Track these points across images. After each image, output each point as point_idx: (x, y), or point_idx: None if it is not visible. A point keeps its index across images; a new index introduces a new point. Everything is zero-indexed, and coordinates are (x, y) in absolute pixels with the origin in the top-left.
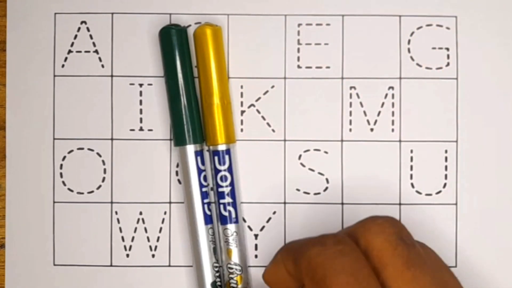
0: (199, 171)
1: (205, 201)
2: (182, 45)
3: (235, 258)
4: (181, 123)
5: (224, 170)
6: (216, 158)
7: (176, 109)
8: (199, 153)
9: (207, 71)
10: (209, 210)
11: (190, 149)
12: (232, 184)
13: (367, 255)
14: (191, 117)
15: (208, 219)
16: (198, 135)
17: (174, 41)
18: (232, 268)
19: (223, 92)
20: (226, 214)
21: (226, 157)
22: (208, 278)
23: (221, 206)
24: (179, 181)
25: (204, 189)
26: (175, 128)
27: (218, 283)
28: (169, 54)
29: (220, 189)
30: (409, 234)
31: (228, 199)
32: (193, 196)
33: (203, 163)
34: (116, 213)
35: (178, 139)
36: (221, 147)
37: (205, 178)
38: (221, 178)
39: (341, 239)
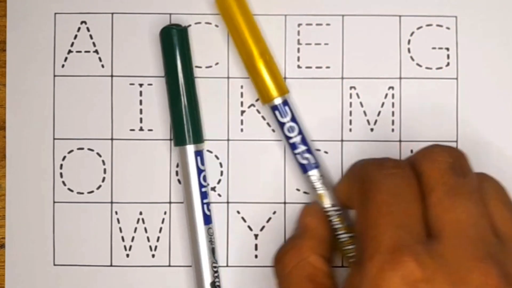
0: (199, 171)
1: (205, 201)
2: (182, 45)
3: (328, 201)
4: (181, 123)
5: (288, 122)
6: (277, 112)
7: (176, 109)
8: (199, 153)
9: (242, 33)
10: (209, 210)
11: (190, 149)
12: (300, 132)
13: (420, 180)
14: (191, 117)
15: (207, 219)
16: (198, 135)
17: (174, 41)
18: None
19: (262, 49)
20: (305, 161)
21: (286, 108)
22: (207, 278)
23: (298, 156)
24: (179, 181)
25: (203, 189)
26: (175, 128)
27: (217, 284)
28: (169, 54)
29: (291, 140)
30: (468, 166)
31: (302, 147)
32: (192, 196)
33: (202, 163)
34: (116, 213)
35: (178, 139)
36: (278, 101)
37: (204, 178)
38: (288, 130)
39: (400, 163)
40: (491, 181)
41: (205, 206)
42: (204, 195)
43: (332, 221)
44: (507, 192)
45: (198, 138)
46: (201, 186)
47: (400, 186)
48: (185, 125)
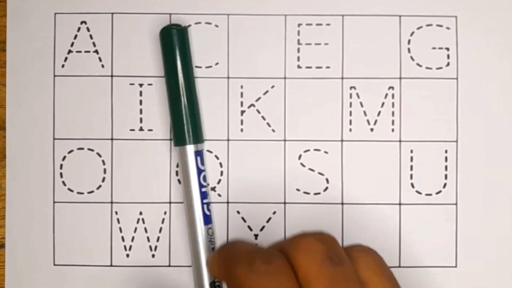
0: (199, 171)
1: (205, 201)
2: (183, 44)
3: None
4: (181, 123)
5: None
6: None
7: (177, 109)
8: (199, 153)
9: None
10: (209, 210)
11: (190, 149)
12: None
13: (295, 273)
14: (191, 117)
15: (207, 219)
16: (198, 135)
17: (174, 41)
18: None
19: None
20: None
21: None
22: (207, 278)
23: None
24: (179, 181)
25: (203, 189)
26: (175, 128)
27: (217, 284)
28: (169, 54)
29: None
30: (341, 250)
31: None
32: (192, 196)
33: (202, 163)
34: (116, 213)
35: (178, 139)
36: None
37: (204, 178)
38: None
39: (270, 257)
40: (364, 255)
41: (205, 206)
42: (204, 195)
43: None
44: (382, 262)
45: (198, 138)
46: (201, 186)
47: (277, 284)
48: (185, 125)
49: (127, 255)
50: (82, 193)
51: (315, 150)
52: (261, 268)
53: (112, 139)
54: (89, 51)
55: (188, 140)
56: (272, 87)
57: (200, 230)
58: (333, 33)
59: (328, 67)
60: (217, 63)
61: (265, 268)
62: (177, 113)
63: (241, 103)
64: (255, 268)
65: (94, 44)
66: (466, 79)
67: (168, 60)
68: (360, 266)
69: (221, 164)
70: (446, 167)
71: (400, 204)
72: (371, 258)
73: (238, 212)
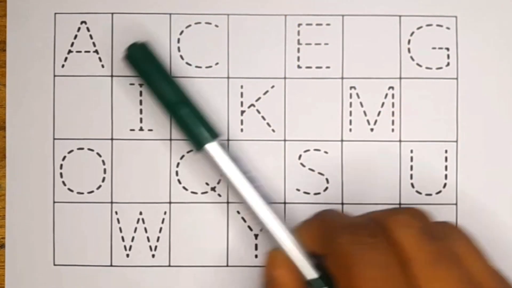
0: (236, 160)
1: (256, 184)
2: (151, 57)
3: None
4: (191, 127)
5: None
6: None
7: (183, 116)
8: (223, 145)
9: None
10: (264, 192)
11: (214, 145)
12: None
13: (393, 247)
14: (197, 116)
15: (269, 200)
16: (213, 130)
17: (145, 57)
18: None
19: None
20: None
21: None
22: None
23: (259, 188)
24: (179, 181)
25: (249, 175)
26: (189, 135)
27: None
28: (143, 72)
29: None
30: (435, 225)
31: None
32: (243, 186)
33: (233, 153)
34: (116, 213)
35: (199, 141)
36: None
37: (242, 165)
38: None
39: (373, 231)
40: (456, 231)
41: (259, 188)
42: (252, 180)
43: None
44: (472, 239)
45: (214, 132)
46: (245, 172)
47: (380, 259)
48: (195, 128)
49: (127, 255)
50: (82, 193)
51: (315, 150)
52: (366, 240)
53: (112, 139)
54: (89, 51)
55: (208, 139)
56: (272, 87)
57: (268, 211)
58: (333, 33)
59: (328, 67)
60: (217, 63)
61: (370, 240)
62: (185, 119)
63: (241, 103)
64: (360, 240)
65: (94, 44)
66: (466, 79)
67: (146, 79)
68: (456, 242)
69: None
70: (446, 167)
71: (400, 204)
72: (463, 235)
73: (238, 212)
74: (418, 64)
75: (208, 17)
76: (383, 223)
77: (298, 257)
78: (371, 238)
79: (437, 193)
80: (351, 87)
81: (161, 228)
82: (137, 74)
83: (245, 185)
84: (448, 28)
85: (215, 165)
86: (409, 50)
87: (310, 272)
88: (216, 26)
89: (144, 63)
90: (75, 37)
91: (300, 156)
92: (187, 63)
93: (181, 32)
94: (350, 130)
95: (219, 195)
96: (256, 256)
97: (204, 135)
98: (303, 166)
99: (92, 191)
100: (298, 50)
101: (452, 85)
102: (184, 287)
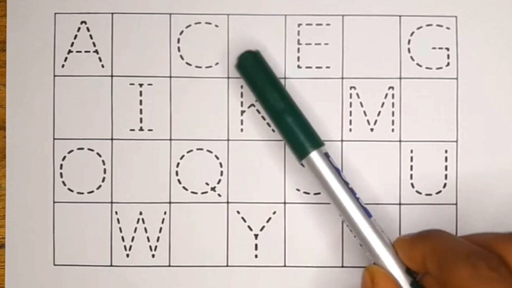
0: (337, 170)
1: (356, 196)
2: (263, 64)
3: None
4: (296, 136)
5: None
6: (330, 159)
7: (287, 125)
8: (326, 155)
9: None
10: (363, 205)
11: (317, 154)
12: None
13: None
14: (303, 124)
15: (368, 213)
16: (317, 139)
17: (256, 64)
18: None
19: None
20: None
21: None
22: (402, 273)
23: (359, 200)
24: (179, 181)
25: (350, 186)
26: (293, 144)
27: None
28: (254, 81)
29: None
30: None
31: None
32: (345, 197)
33: (334, 162)
34: (116, 213)
35: (301, 151)
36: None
37: (342, 176)
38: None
39: (494, 263)
40: None
41: (359, 201)
42: (352, 192)
43: None
44: None
45: (318, 142)
46: (346, 183)
47: None
48: (299, 137)
49: (127, 255)
50: (82, 193)
51: None
52: (488, 274)
53: (112, 139)
54: (89, 51)
55: (311, 148)
56: None
57: (369, 225)
58: (333, 33)
59: (328, 67)
60: (217, 63)
61: (491, 274)
62: (289, 128)
63: (241, 103)
64: (481, 275)
65: (94, 44)
66: (466, 79)
67: (256, 87)
68: None
69: (221, 164)
70: (446, 167)
71: (400, 204)
72: None
73: (238, 212)
74: (418, 64)
75: (208, 17)
76: (499, 251)
77: (396, 272)
78: (492, 271)
79: (437, 193)
80: (351, 87)
81: (161, 228)
82: (248, 82)
83: (346, 197)
84: (448, 28)
85: (317, 174)
86: (409, 50)
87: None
88: (216, 26)
89: (254, 71)
90: (75, 37)
91: None
92: (187, 63)
93: (181, 32)
94: (350, 130)
95: (219, 195)
96: (256, 256)
97: (308, 144)
98: (303, 166)
99: (92, 191)
100: (298, 50)
101: (452, 85)
102: (184, 287)
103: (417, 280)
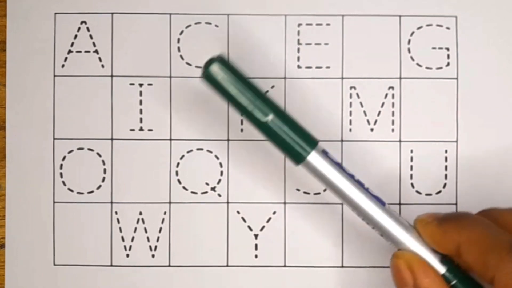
0: (338, 165)
1: (366, 187)
2: (234, 72)
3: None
4: (287, 141)
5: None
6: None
7: (277, 132)
8: (324, 152)
9: None
10: (374, 194)
11: (316, 155)
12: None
13: None
14: (294, 127)
15: (381, 201)
16: (311, 139)
17: (226, 74)
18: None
19: None
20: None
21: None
22: (431, 254)
23: (369, 189)
24: (179, 181)
25: (356, 178)
26: (287, 150)
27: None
28: (224, 91)
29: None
30: None
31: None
32: (353, 191)
33: (334, 158)
34: (116, 213)
35: (298, 155)
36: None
37: (345, 169)
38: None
39: None
40: None
41: (369, 191)
42: (360, 183)
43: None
44: None
45: (311, 141)
46: (351, 177)
47: None
48: (290, 143)
49: (127, 255)
50: (82, 193)
51: None
52: None
53: (112, 139)
54: (89, 51)
55: (306, 151)
56: (272, 87)
57: (386, 214)
58: (333, 33)
59: (328, 67)
60: None
61: None
62: (280, 135)
63: None
64: None
65: (94, 44)
66: (466, 79)
67: (229, 98)
68: None
69: (221, 164)
70: (446, 167)
71: (400, 204)
72: None
73: (238, 212)
74: (418, 64)
75: (208, 17)
76: None
77: (425, 254)
78: None
79: (437, 193)
80: (351, 87)
81: (161, 228)
82: (219, 94)
83: (356, 191)
84: (448, 28)
85: (320, 175)
86: (409, 50)
87: (439, 268)
88: (216, 26)
89: (224, 82)
90: (75, 37)
91: None
92: (187, 63)
93: (181, 32)
94: (350, 130)
95: (219, 195)
96: (256, 256)
97: (301, 148)
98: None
99: (92, 191)
100: (298, 50)
101: (452, 85)
102: (184, 287)
103: (445, 256)
